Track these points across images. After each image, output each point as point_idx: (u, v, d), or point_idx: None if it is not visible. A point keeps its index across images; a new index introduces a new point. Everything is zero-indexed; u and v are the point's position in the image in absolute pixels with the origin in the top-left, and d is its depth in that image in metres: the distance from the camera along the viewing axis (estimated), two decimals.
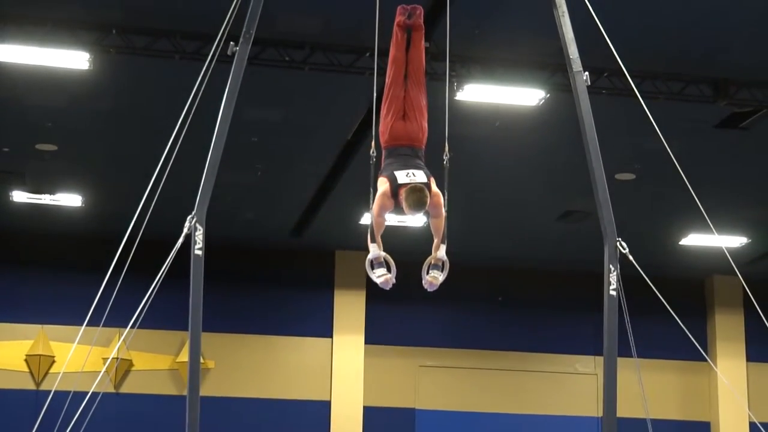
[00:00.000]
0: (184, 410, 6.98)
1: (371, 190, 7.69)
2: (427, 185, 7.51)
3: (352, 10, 11.24)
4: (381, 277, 7.66)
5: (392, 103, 7.80)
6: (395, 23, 7.91)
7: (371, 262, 7.65)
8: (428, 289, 7.89)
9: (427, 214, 7.72)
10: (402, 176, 7.52)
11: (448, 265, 7.80)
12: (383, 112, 7.84)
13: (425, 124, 7.85)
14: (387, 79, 7.91)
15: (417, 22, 7.88)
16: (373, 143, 7.88)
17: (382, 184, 7.57)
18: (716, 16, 11.39)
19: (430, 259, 7.82)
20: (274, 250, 19.66)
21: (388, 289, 7.79)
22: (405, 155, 7.67)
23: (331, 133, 14.47)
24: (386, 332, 19.94)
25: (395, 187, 7.49)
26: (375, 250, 7.60)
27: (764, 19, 11.38)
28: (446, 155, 7.96)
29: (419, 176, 7.53)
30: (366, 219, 17.41)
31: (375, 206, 7.58)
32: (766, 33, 11.71)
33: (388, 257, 7.69)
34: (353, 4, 11.11)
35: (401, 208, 7.54)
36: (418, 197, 7.40)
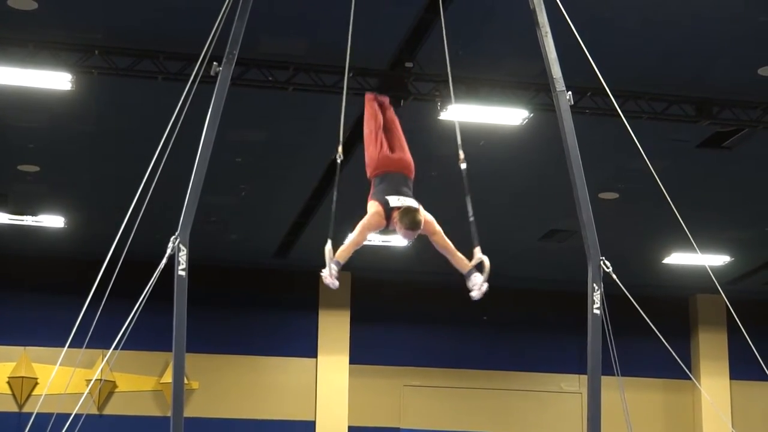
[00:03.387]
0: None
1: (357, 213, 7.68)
2: (417, 209, 7.49)
3: (335, 30, 11.24)
4: (329, 276, 7.38)
5: (379, 141, 7.86)
6: (366, 99, 8.27)
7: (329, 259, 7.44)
8: (476, 297, 7.73)
9: (419, 237, 7.68)
10: (394, 200, 7.51)
11: (485, 264, 7.69)
12: (371, 147, 7.86)
13: (410, 157, 7.87)
14: (366, 133, 8.00)
15: (386, 101, 8.29)
16: (339, 148, 7.89)
17: (374, 207, 7.54)
18: (698, 36, 11.44)
19: (471, 265, 7.70)
20: (259, 270, 19.63)
21: (331, 287, 7.63)
22: (395, 181, 7.65)
23: (314, 154, 14.46)
24: (371, 352, 19.92)
25: (387, 210, 7.47)
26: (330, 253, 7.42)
27: (746, 39, 11.43)
28: (462, 162, 8.07)
29: (410, 201, 7.52)
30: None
31: (365, 221, 7.52)
32: (747, 53, 11.77)
33: (339, 264, 7.48)
34: (336, 25, 11.11)
35: (392, 229, 7.50)
36: (412, 218, 7.38)
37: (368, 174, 7.83)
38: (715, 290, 8.70)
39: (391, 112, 8.17)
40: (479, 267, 7.70)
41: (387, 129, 8.02)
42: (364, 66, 12.08)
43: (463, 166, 8.05)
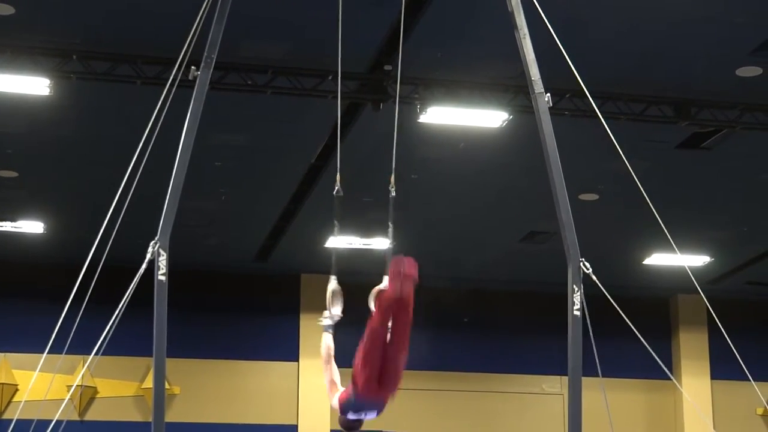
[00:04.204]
0: None
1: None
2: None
3: (315, 34, 11.25)
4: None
5: (370, 363, 7.42)
6: (386, 295, 7.33)
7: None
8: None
9: None
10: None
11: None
12: (360, 361, 7.46)
13: (398, 385, 7.60)
14: (365, 343, 7.45)
15: (407, 299, 7.29)
16: (338, 176, 7.79)
17: (343, 394, 7.47)
18: (677, 38, 11.48)
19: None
20: (239, 274, 19.59)
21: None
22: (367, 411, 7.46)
23: (294, 157, 14.45)
24: (352, 355, 19.78)
25: (345, 412, 7.41)
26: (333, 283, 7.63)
27: (724, 41, 11.48)
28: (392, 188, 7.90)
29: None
30: (331, 242, 17.40)
31: (334, 386, 7.61)
32: (725, 54, 11.81)
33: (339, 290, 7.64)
34: (315, 28, 11.12)
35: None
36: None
37: (352, 374, 7.51)
38: (696, 291, 8.73)
39: (408, 308, 7.34)
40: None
41: (392, 342, 7.44)
42: (343, 69, 12.07)
43: (393, 193, 7.87)
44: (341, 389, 7.44)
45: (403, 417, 20.06)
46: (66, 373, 17.16)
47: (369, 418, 7.44)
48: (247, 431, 19.37)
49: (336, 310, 7.60)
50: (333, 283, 7.63)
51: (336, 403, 7.47)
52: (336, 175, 7.83)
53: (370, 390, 7.34)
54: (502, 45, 10.35)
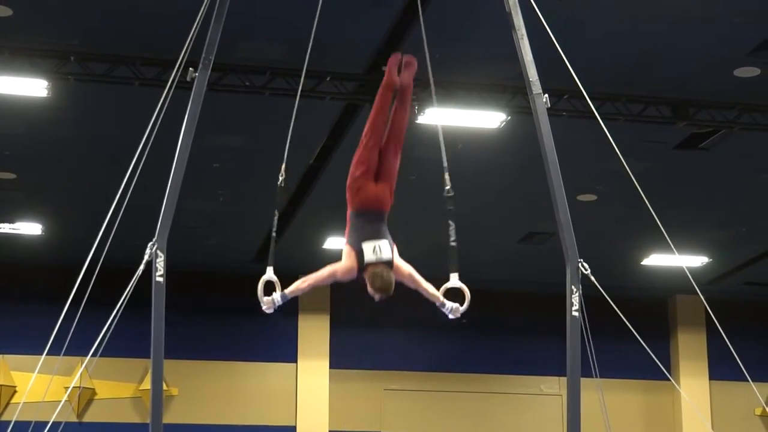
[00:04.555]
0: None
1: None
2: (391, 262, 7.41)
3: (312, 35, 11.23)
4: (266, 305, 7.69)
5: (366, 165, 7.59)
6: (384, 82, 7.66)
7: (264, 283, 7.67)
8: (452, 317, 7.87)
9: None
10: (369, 252, 7.35)
11: (466, 293, 7.78)
12: (354, 170, 7.62)
13: (393, 187, 7.73)
14: (364, 140, 7.68)
15: (407, 81, 7.70)
16: (283, 167, 7.81)
17: (348, 258, 7.41)
18: (675, 38, 11.49)
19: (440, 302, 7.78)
20: (237, 275, 19.53)
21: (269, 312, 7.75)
22: (371, 221, 7.50)
23: (292, 158, 14.41)
24: (351, 356, 19.90)
25: (362, 263, 7.36)
26: (269, 273, 7.67)
27: (722, 41, 11.49)
28: (447, 192, 7.99)
29: (385, 250, 7.37)
30: (329, 243, 17.42)
31: (335, 269, 7.43)
32: (723, 54, 11.82)
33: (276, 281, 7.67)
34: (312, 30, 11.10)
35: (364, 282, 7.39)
36: (384, 284, 7.28)
37: (347, 186, 7.65)
38: (694, 291, 8.73)
39: (405, 107, 7.77)
40: (458, 296, 7.71)
41: (388, 140, 7.69)
42: (342, 70, 12.09)
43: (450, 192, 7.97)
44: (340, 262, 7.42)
45: (401, 418, 20.08)
46: (64, 375, 17.13)
47: (385, 257, 7.37)
48: None
49: (269, 298, 7.58)
50: (269, 273, 7.60)
51: (345, 256, 7.43)
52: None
53: (368, 189, 7.54)
54: (500, 46, 10.35)
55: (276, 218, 7.61)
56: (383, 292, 7.33)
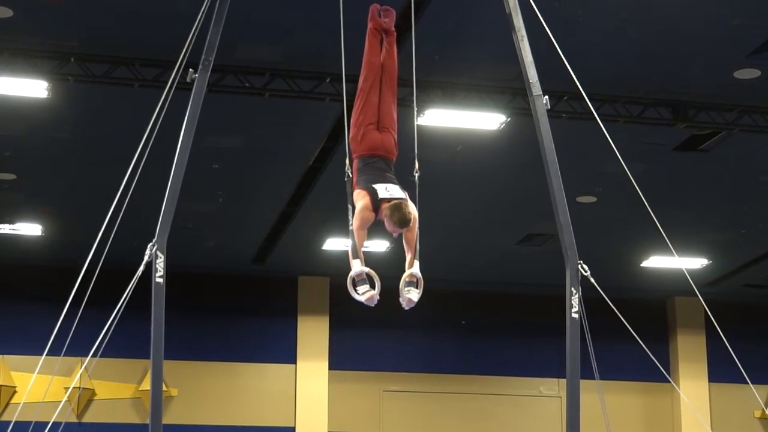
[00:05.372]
0: None
1: (349, 206, 7.53)
2: (405, 201, 7.41)
3: (312, 36, 11.25)
4: (365, 294, 7.39)
5: (367, 111, 7.65)
6: (370, 28, 7.88)
7: (353, 279, 7.40)
8: (405, 307, 7.65)
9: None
10: (382, 190, 7.35)
11: (422, 282, 7.63)
12: (356, 118, 7.66)
13: (396, 137, 7.79)
14: (361, 84, 7.78)
15: (389, 26, 7.87)
16: (347, 161, 7.74)
17: (362, 198, 7.37)
18: (674, 39, 11.49)
19: (405, 277, 7.52)
20: (237, 277, 19.59)
21: (372, 305, 7.61)
22: (380, 167, 7.53)
23: (292, 159, 14.45)
24: (350, 357, 19.90)
25: (376, 201, 7.37)
26: (357, 266, 7.34)
27: (721, 42, 11.49)
28: (416, 172, 7.89)
29: (397, 191, 7.40)
30: (329, 245, 17.42)
31: (356, 220, 7.34)
32: (723, 56, 11.82)
33: (372, 272, 7.42)
34: (312, 31, 11.12)
35: (382, 221, 7.38)
36: (403, 215, 7.24)
37: (350, 140, 7.66)
38: (694, 293, 8.73)
39: (392, 51, 7.89)
40: (417, 282, 7.61)
41: (383, 82, 7.79)
42: (341, 72, 12.06)
43: (416, 176, 7.89)
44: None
45: (400, 419, 20.08)
46: (64, 375, 17.17)
47: (397, 196, 7.34)
48: None
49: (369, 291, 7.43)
50: (358, 267, 7.43)
51: (358, 197, 7.39)
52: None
53: (373, 135, 7.59)
54: (499, 47, 10.37)
55: (351, 213, 7.47)
56: (402, 224, 7.29)
